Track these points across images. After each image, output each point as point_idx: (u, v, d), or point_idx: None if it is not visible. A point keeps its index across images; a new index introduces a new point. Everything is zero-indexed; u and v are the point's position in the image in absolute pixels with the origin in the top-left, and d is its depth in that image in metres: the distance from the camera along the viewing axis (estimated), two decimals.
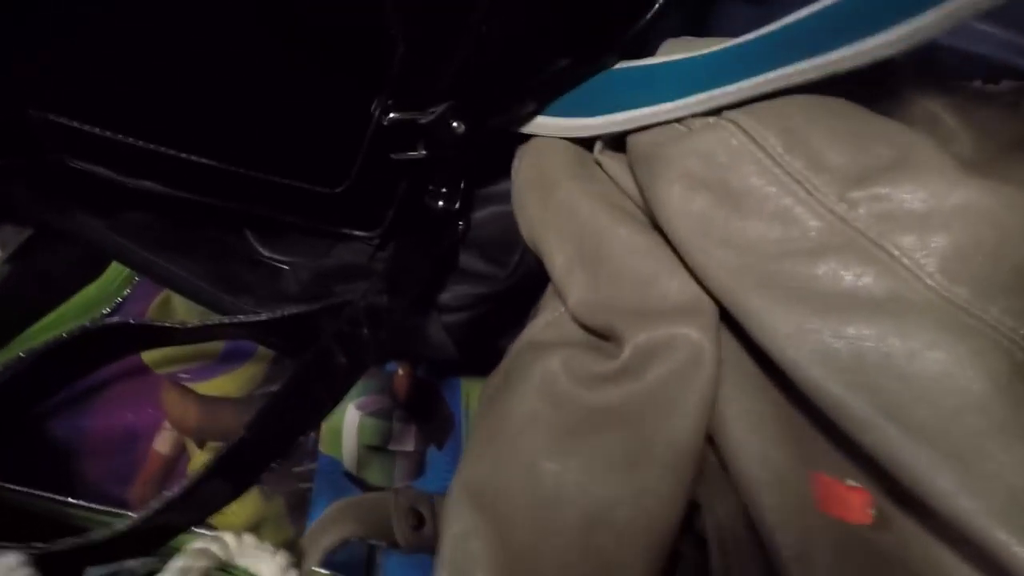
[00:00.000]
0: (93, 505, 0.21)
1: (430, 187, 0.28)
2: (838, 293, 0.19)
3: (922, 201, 0.18)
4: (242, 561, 0.18)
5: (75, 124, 0.22)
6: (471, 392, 0.30)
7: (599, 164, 0.27)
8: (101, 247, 0.26)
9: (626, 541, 0.18)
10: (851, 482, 0.19)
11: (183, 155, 0.23)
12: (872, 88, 0.23)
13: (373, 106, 0.24)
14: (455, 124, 0.25)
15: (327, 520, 0.21)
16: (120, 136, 0.23)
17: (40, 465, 0.25)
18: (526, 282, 0.30)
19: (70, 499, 0.21)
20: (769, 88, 0.21)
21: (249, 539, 0.19)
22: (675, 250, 0.22)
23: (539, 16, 0.26)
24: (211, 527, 0.20)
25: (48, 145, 0.23)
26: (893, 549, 0.16)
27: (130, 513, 0.20)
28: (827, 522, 0.18)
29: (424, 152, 0.26)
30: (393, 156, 0.26)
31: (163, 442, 0.26)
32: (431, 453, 0.28)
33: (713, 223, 0.21)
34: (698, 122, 0.23)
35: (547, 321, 0.27)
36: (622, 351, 0.21)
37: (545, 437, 0.21)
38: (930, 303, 0.17)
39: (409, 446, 0.27)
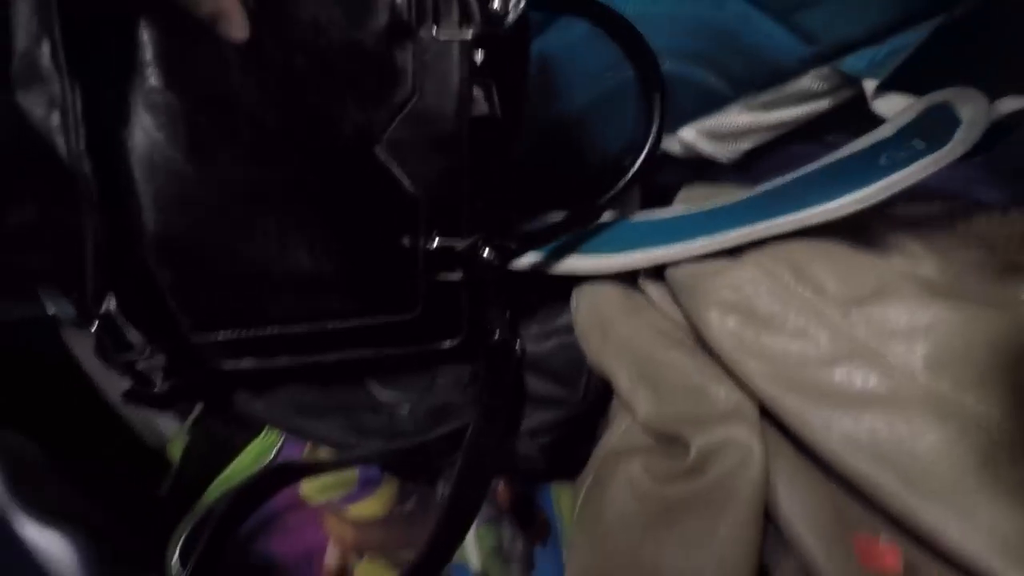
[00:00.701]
0: None
1: (487, 320, 0.35)
2: (853, 392, 0.24)
3: (904, 318, 0.25)
4: None
5: (231, 335, 0.28)
6: (561, 495, 0.36)
7: (643, 291, 0.33)
8: (258, 419, 0.33)
9: None
10: (884, 539, 0.23)
11: (299, 328, 0.29)
12: (852, 225, 0.30)
13: (419, 239, 0.30)
14: (486, 253, 0.31)
15: None
16: (257, 331, 0.29)
17: None
18: (597, 401, 0.36)
19: None
20: (754, 238, 0.28)
21: None
22: (718, 362, 0.28)
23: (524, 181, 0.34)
24: None
25: (207, 355, 0.29)
26: None
27: None
28: (869, 574, 0.22)
29: (463, 274, 0.31)
30: (440, 277, 0.31)
31: (331, 557, 0.31)
32: (537, 551, 0.33)
33: (745, 339, 0.27)
34: (725, 260, 0.30)
35: (621, 431, 0.32)
36: (688, 453, 0.27)
37: (638, 528, 0.26)
38: (921, 396, 0.23)
39: (519, 547, 0.32)
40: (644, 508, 0.27)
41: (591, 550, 0.27)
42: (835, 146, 0.34)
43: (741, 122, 0.37)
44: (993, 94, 0.30)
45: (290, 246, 0.28)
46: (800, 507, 0.24)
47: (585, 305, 0.35)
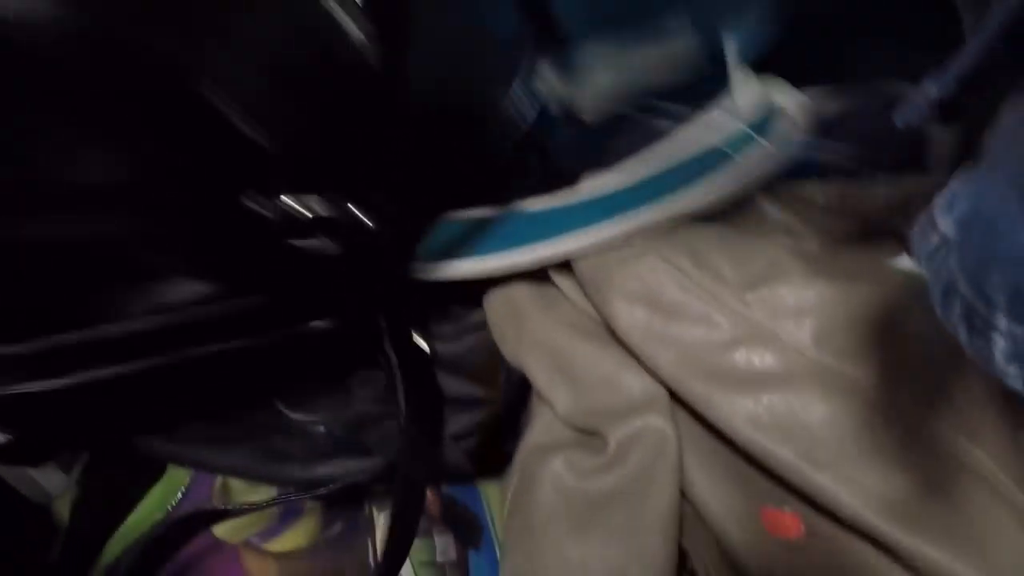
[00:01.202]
0: None
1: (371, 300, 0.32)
2: (752, 372, 0.26)
3: (792, 297, 0.26)
4: None
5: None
6: (490, 494, 0.36)
7: (555, 284, 0.34)
8: (158, 456, 0.31)
9: None
10: (788, 509, 0.25)
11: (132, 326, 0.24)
12: (742, 209, 0.31)
13: (266, 196, 0.23)
14: (356, 216, 0.25)
15: None
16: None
17: None
18: (518, 398, 0.36)
19: None
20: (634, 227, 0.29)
21: None
22: (630, 353, 0.29)
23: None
24: None
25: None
26: (824, 553, 0.23)
27: None
28: (776, 542, 0.24)
29: (330, 241, 0.25)
30: (299, 244, 0.25)
31: None
32: (471, 556, 0.33)
33: (652, 328, 0.28)
34: (627, 251, 0.30)
35: (542, 426, 0.33)
36: (607, 446, 0.27)
37: (565, 526, 0.27)
38: (810, 370, 0.25)
39: (452, 555, 0.32)
40: (569, 505, 0.27)
41: (522, 551, 0.27)
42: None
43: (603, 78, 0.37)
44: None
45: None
46: (712, 486, 0.26)
47: (498, 300, 0.35)
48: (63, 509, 0.31)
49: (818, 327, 0.25)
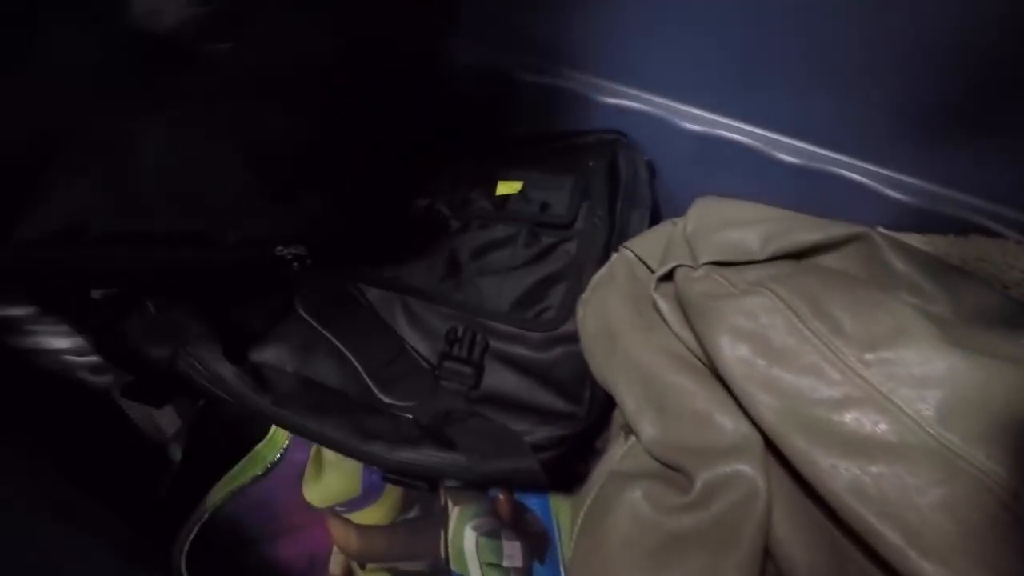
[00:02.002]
0: None
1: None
2: (862, 437, 0.24)
3: (919, 365, 0.24)
4: None
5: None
6: (559, 508, 0.36)
7: (656, 307, 0.33)
8: (264, 415, 0.33)
9: None
10: None
11: None
12: (869, 260, 0.29)
13: None
14: None
15: None
16: None
17: None
18: (600, 417, 0.36)
19: None
20: None
21: None
22: (728, 391, 0.28)
23: None
24: None
25: None
26: None
27: None
28: None
29: None
30: None
31: (335, 564, 0.32)
32: (535, 568, 0.33)
33: (756, 369, 0.26)
34: (742, 285, 0.29)
35: (623, 452, 0.32)
36: (692, 486, 0.27)
37: (637, 556, 0.26)
38: (931, 447, 0.23)
39: (518, 561, 0.33)
40: (645, 538, 0.27)
41: (589, 573, 0.27)
42: None
43: None
44: None
45: None
46: (801, 549, 0.25)
47: (592, 316, 0.35)
48: (176, 452, 0.35)
49: (945, 402, 0.23)
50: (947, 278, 0.28)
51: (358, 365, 0.36)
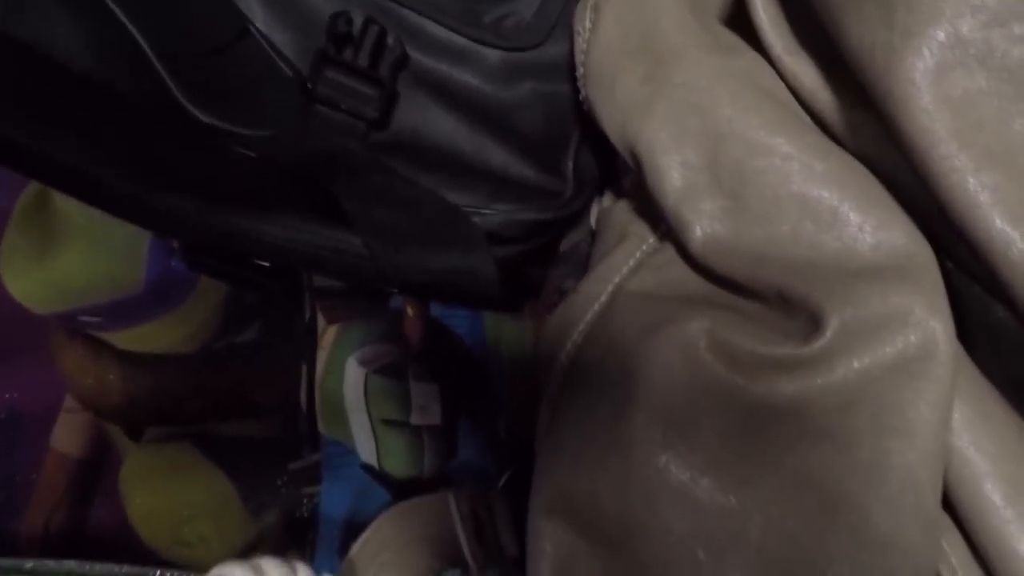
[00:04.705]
0: None
1: None
2: None
3: None
4: None
5: None
6: (501, 337, 0.23)
7: (751, 14, 0.18)
8: None
9: None
10: None
11: None
12: None
13: None
14: None
15: (380, 547, 0.14)
16: None
17: None
18: (587, 202, 0.22)
19: None
20: None
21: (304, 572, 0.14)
22: (889, 157, 0.15)
23: None
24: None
25: None
26: None
27: None
28: None
29: None
30: None
31: (66, 435, 0.16)
32: (463, 426, 0.20)
33: (984, 126, 0.13)
34: None
35: (636, 259, 0.19)
36: (819, 329, 0.14)
37: (700, 452, 0.14)
38: None
39: (436, 416, 0.20)
40: (711, 412, 0.15)
41: (584, 465, 0.15)
42: None
43: None
44: None
45: None
46: (990, 455, 0.14)
47: (615, 23, 0.20)
48: None
49: None
50: None
51: (141, 39, 0.18)
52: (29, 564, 0.13)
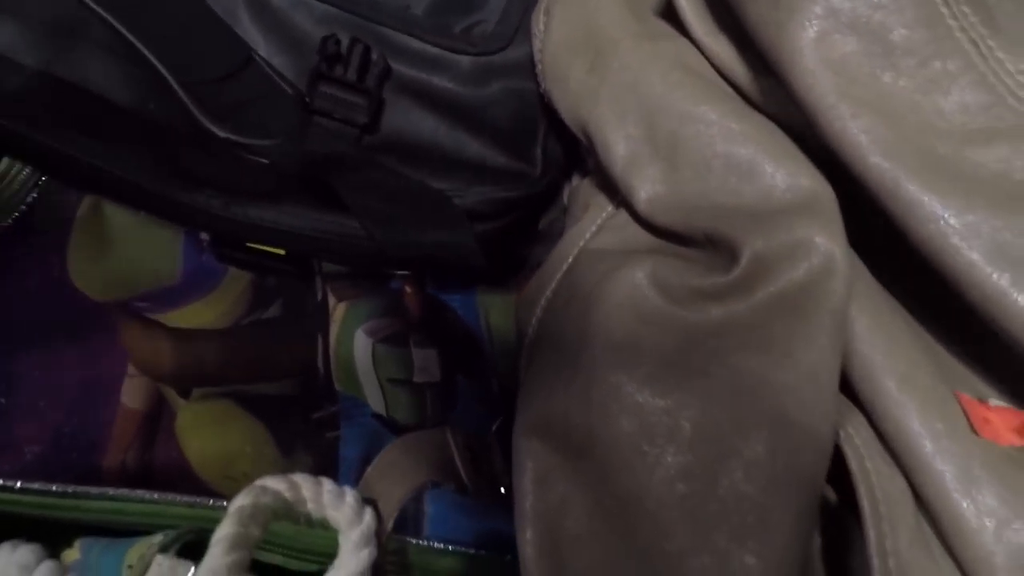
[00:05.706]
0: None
1: None
2: (1010, 185, 0.15)
3: None
4: (313, 506, 0.15)
5: None
6: (490, 306, 0.26)
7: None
8: None
9: (761, 479, 0.15)
10: (995, 402, 0.17)
11: None
12: None
13: None
14: None
15: (389, 467, 0.17)
16: None
17: None
18: (555, 180, 0.25)
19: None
20: None
21: (328, 484, 0.16)
22: (789, 118, 0.18)
23: None
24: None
25: None
26: None
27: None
28: (983, 445, 0.16)
29: None
30: None
31: (131, 394, 0.19)
32: (460, 383, 0.23)
33: (858, 80, 0.16)
34: None
35: (598, 224, 0.22)
36: (735, 261, 0.17)
37: (643, 368, 0.17)
38: None
39: (435, 375, 0.23)
40: (653, 339, 0.17)
41: (559, 392, 0.18)
42: None
43: None
44: None
45: None
46: (886, 354, 0.16)
47: (563, 22, 0.23)
48: None
49: None
50: None
51: (166, 73, 0.21)
52: (112, 492, 0.16)
